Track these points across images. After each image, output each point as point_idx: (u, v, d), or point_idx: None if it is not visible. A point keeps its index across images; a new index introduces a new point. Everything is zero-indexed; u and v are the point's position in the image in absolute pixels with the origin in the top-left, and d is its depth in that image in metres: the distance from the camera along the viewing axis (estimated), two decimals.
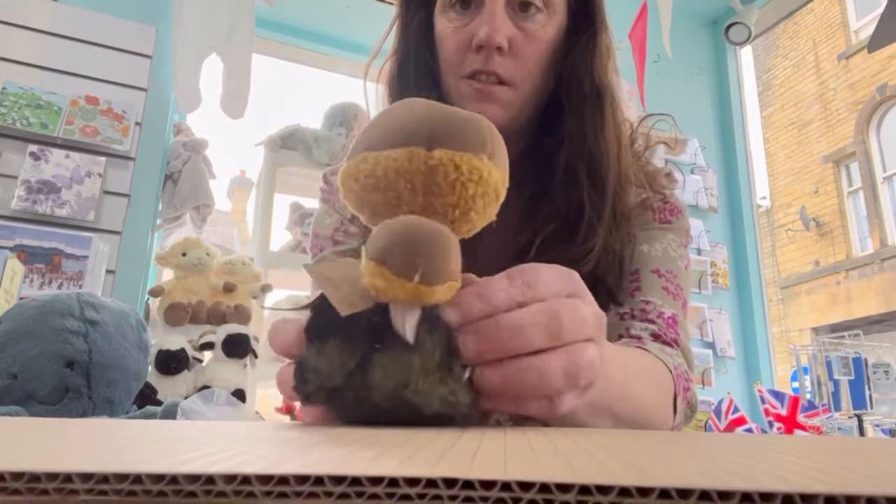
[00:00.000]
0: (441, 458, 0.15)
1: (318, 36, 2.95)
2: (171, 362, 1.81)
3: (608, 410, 0.39)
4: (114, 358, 0.94)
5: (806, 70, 9.82)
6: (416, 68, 0.65)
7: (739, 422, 2.71)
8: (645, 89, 2.98)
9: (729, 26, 3.38)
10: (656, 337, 0.58)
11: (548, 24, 0.60)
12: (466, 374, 0.27)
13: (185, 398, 0.95)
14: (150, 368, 1.72)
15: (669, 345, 0.58)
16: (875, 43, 2.37)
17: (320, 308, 0.29)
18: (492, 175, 0.29)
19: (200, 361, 1.94)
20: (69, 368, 0.90)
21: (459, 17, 0.60)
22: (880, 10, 2.32)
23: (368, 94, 0.69)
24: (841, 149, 9.06)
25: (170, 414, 0.91)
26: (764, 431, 2.82)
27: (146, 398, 1.08)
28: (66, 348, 0.90)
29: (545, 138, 0.63)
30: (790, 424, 2.81)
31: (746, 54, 4.75)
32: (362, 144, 0.30)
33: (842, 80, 9.16)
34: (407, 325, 0.27)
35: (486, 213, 0.30)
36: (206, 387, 1.84)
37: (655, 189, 0.66)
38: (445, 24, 0.62)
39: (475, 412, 0.28)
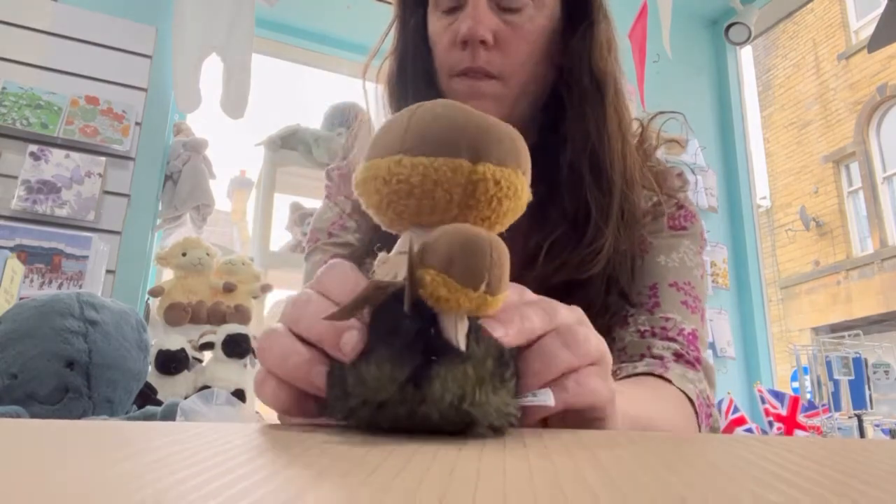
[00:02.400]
0: (442, 499, 0.15)
1: (318, 36, 2.95)
2: (171, 362, 1.81)
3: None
4: (114, 358, 0.94)
5: (806, 70, 9.82)
6: (414, 68, 0.65)
7: (739, 422, 2.71)
8: (645, 89, 2.98)
9: (729, 26, 3.38)
10: (679, 356, 0.57)
11: (536, 16, 0.59)
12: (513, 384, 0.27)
13: (185, 398, 0.95)
14: (150, 368, 1.72)
15: (692, 364, 0.57)
16: (875, 43, 2.37)
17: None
18: (525, 191, 0.29)
19: (200, 361, 1.94)
20: (69, 368, 0.90)
21: (447, 15, 0.61)
22: (880, 10, 2.32)
23: (368, 94, 0.69)
24: (841, 149, 9.06)
25: (170, 414, 0.91)
26: (764, 431, 2.82)
27: (146, 398, 1.08)
28: (66, 348, 0.90)
29: (549, 137, 0.61)
30: (790, 424, 2.82)
31: (746, 54, 4.75)
32: (395, 146, 0.29)
33: (842, 80, 9.16)
34: (459, 335, 0.26)
35: (506, 226, 0.30)
36: (206, 387, 1.84)
37: (667, 192, 0.65)
38: (436, 24, 0.62)
39: (517, 423, 0.28)
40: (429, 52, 0.64)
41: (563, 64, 0.61)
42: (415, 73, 0.65)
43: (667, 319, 0.58)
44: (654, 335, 0.58)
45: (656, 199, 0.64)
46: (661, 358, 0.56)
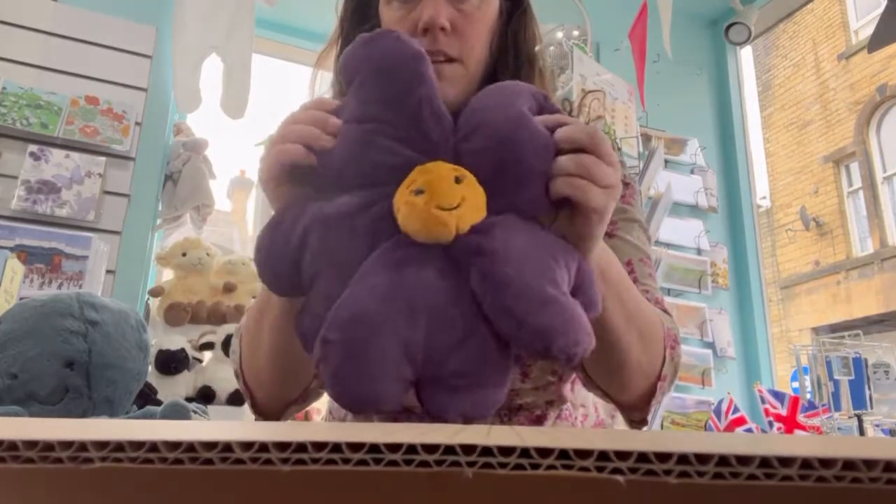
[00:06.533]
0: (459, 432, 0.15)
1: (318, 36, 2.95)
2: (171, 362, 1.81)
3: (618, 295, 0.54)
4: (114, 358, 0.94)
5: (806, 70, 9.81)
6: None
7: (739, 422, 2.71)
8: (645, 89, 2.98)
9: (729, 26, 3.38)
10: None
11: (482, 6, 0.68)
12: None
13: (186, 398, 0.95)
14: (150, 368, 1.72)
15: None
16: (875, 43, 2.37)
17: None
18: None
19: (200, 361, 1.94)
20: (69, 368, 0.90)
21: (402, 6, 0.68)
22: (880, 10, 2.32)
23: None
24: (841, 149, 9.06)
25: (169, 414, 0.91)
26: (764, 431, 2.82)
27: (146, 398, 1.08)
28: (66, 348, 0.90)
29: None
30: (790, 424, 2.82)
31: (746, 54, 4.75)
32: None
33: (842, 80, 9.16)
34: None
35: None
36: (206, 387, 1.84)
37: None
38: (392, 15, 0.68)
39: None
40: None
41: (500, 46, 0.72)
42: None
43: (646, 292, 0.70)
44: None
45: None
46: None
